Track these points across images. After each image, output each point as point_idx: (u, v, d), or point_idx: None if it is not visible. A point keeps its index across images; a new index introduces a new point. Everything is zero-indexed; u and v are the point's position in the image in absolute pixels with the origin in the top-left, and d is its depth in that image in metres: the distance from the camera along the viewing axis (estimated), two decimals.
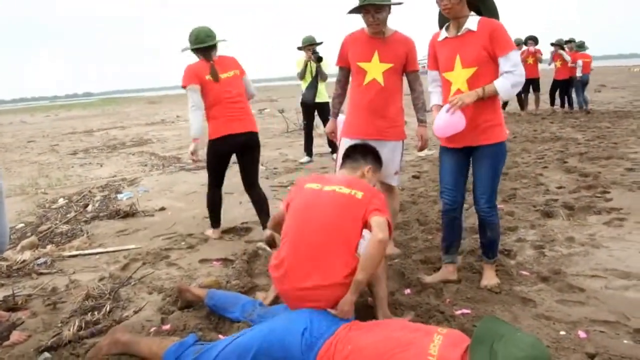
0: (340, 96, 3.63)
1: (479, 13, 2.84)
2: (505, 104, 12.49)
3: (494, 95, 2.71)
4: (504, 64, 2.67)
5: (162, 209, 5.27)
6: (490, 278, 3.01)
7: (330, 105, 3.76)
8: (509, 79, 2.66)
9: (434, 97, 3.09)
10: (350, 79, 3.47)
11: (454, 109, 2.67)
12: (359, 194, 2.34)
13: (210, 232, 4.31)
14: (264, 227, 3.62)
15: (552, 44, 11.76)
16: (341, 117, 3.73)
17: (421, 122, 3.56)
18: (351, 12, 3.20)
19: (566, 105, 12.15)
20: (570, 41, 11.87)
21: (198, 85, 3.87)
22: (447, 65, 2.84)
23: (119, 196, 5.88)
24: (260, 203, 4.16)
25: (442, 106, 2.90)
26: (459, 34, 2.78)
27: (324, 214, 2.31)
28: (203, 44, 3.88)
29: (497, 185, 2.95)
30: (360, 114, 3.38)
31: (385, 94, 3.30)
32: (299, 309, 2.21)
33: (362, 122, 3.36)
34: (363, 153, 2.77)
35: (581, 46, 11.72)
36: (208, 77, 3.89)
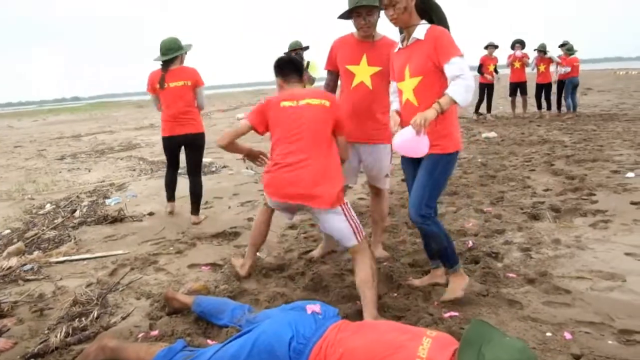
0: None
1: (430, 21, 2.79)
2: (489, 108, 12.64)
3: (453, 105, 2.59)
4: (449, 70, 2.59)
5: (151, 214, 5.25)
6: (451, 291, 2.83)
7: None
8: (459, 84, 2.55)
9: (393, 105, 3.03)
10: (340, 82, 3.48)
11: (422, 131, 2.50)
12: (327, 103, 2.97)
13: (166, 205, 5.25)
14: (193, 206, 4.87)
15: (536, 50, 11.83)
16: None
17: None
18: (342, 16, 3.23)
19: (554, 107, 12.28)
20: (564, 44, 11.91)
21: (151, 91, 4.85)
22: (399, 76, 2.85)
23: (107, 201, 5.84)
24: (193, 189, 4.98)
25: (399, 112, 2.88)
26: (409, 43, 2.78)
27: (313, 127, 2.89)
28: (163, 57, 4.62)
29: (434, 195, 2.79)
30: (348, 117, 3.32)
31: (373, 97, 3.29)
32: (284, 315, 2.20)
33: (350, 125, 3.31)
34: (296, 68, 3.19)
35: (570, 49, 11.81)
36: (157, 85, 4.72)
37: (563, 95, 12.00)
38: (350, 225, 2.84)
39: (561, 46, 11.92)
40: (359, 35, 3.30)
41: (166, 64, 4.67)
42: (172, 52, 4.60)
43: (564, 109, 12.13)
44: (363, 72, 3.29)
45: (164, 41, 4.63)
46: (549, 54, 11.64)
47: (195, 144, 4.95)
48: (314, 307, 2.22)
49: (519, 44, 11.91)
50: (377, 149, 3.41)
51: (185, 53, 4.81)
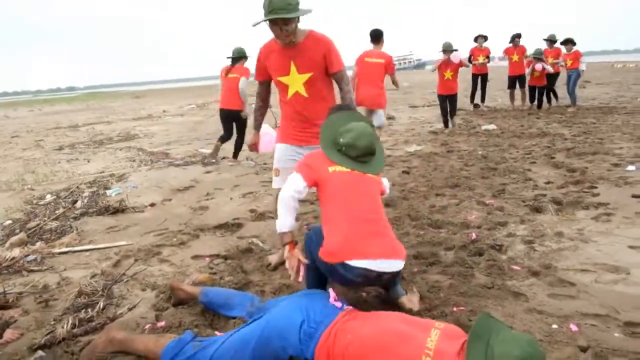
0: (261, 108, 3.53)
1: None
2: (483, 98, 12.64)
3: None
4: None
5: (152, 204, 5.24)
6: None
7: (252, 118, 3.67)
8: None
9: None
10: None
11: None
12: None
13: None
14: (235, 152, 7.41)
15: (531, 55, 11.55)
16: (264, 129, 3.86)
17: None
18: (257, 24, 2.96)
19: (553, 100, 12.25)
20: (569, 41, 11.73)
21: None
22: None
23: (108, 192, 5.83)
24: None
25: None
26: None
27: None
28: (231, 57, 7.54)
29: None
30: (291, 124, 3.31)
31: (311, 103, 3.16)
32: (296, 300, 2.21)
33: (295, 131, 3.29)
34: None
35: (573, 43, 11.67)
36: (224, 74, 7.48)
37: (569, 87, 11.81)
38: None
39: (564, 43, 11.69)
40: (280, 43, 3.07)
41: (233, 62, 7.45)
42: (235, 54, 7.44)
43: (554, 101, 12.20)
44: (295, 82, 3.15)
45: (236, 48, 7.46)
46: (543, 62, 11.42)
47: (233, 116, 7.46)
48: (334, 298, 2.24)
49: (517, 37, 11.88)
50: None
51: (246, 59, 7.41)
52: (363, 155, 2.64)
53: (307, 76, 3.10)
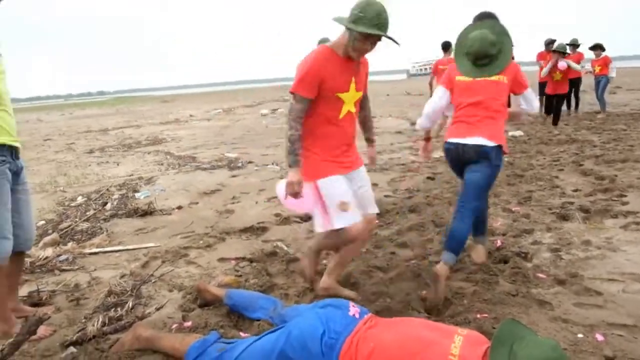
0: (300, 138, 2.69)
1: None
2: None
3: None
4: None
5: (179, 207, 5.34)
6: None
7: (289, 150, 2.69)
8: None
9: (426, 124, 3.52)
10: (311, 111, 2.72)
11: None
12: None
13: None
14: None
15: (558, 47, 11.20)
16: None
17: (371, 142, 3.22)
18: (355, 32, 2.55)
19: (572, 107, 11.98)
20: (598, 47, 11.42)
21: None
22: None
23: (137, 195, 5.96)
24: None
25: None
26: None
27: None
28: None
29: None
30: (339, 149, 2.82)
31: (354, 123, 2.89)
32: (315, 312, 2.23)
33: (343, 157, 2.84)
34: None
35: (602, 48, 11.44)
36: None
37: (597, 93, 11.56)
38: None
39: (593, 48, 11.48)
40: (354, 56, 2.67)
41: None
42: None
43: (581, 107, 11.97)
44: (351, 100, 2.78)
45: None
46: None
47: None
48: (354, 309, 2.24)
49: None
50: (363, 170, 3.00)
51: None
52: (478, 59, 3.13)
53: (359, 94, 2.83)
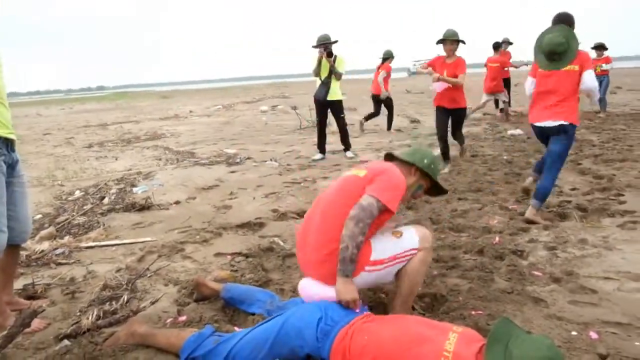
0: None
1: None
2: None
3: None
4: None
5: (177, 202, 5.34)
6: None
7: (351, 256, 2.20)
8: None
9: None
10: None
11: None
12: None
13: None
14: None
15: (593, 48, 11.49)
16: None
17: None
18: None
19: None
20: (601, 46, 11.55)
21: None
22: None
23: (135, 189, 5.96)
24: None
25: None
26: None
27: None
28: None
29: None
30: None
31: None
32: (314, 301, 2.24)
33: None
34: None
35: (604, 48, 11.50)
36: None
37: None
38: None
39: (596, 48, 11.54)
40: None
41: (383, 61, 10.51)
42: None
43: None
44: None
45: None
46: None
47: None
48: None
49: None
50: None
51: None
52: (551, 55, 4.14)
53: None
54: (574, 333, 2.44)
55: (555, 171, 4.28)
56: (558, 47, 4.07)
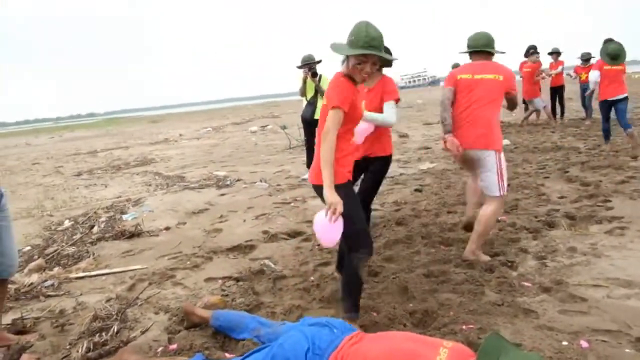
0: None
1: None
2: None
3: None
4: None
5: (167, 228, 5.32)
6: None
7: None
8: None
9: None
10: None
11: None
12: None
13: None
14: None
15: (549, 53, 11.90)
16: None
17: None
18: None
19: (558, 114, 12.18)
20: (555, 52, 12.05)
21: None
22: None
23: (124, 217, 5.93)
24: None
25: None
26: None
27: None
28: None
29: None
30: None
31: None
32: (302, 329, 2.23)
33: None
34: None
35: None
36: None
37: (584, 101, 11.81)
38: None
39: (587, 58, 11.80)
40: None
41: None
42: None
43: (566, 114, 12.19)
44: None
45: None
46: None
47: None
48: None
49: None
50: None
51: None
52: (613, 59, 7.53)
53: None
54: (564, 343, 2.45)
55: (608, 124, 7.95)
56: (617, 52, 7.53)
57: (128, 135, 23.84)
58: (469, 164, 3.81)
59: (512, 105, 3.87)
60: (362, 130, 3.40)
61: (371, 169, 3.81)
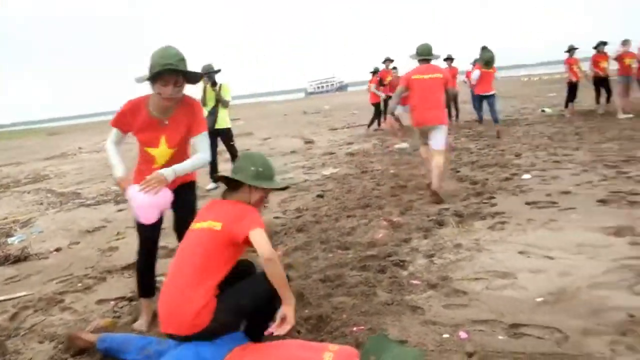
0: None
1: None
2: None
3: None
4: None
5: (58, 249, 5.02)
6: None
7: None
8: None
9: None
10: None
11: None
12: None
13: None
14: None
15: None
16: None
17: None
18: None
19: (454, 117, 13.00)
20: (448, 58, 12.96)
21: None
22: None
23: (10, 240, 5.52)
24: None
25: None
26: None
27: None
28: None
29: None
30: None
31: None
32: (186, 344, 2.21)
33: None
34: None
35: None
36: None
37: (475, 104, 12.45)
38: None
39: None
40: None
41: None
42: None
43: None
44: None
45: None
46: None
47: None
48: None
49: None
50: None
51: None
52: (486, 63, 10.14)
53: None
54: (445, 335, 2.59)
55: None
56: (492, 59, 9.91)
57: (21, 150, 22.15)
58: (425, 133, 5.47)
59: (448, 97, 5.66)
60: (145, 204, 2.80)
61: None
